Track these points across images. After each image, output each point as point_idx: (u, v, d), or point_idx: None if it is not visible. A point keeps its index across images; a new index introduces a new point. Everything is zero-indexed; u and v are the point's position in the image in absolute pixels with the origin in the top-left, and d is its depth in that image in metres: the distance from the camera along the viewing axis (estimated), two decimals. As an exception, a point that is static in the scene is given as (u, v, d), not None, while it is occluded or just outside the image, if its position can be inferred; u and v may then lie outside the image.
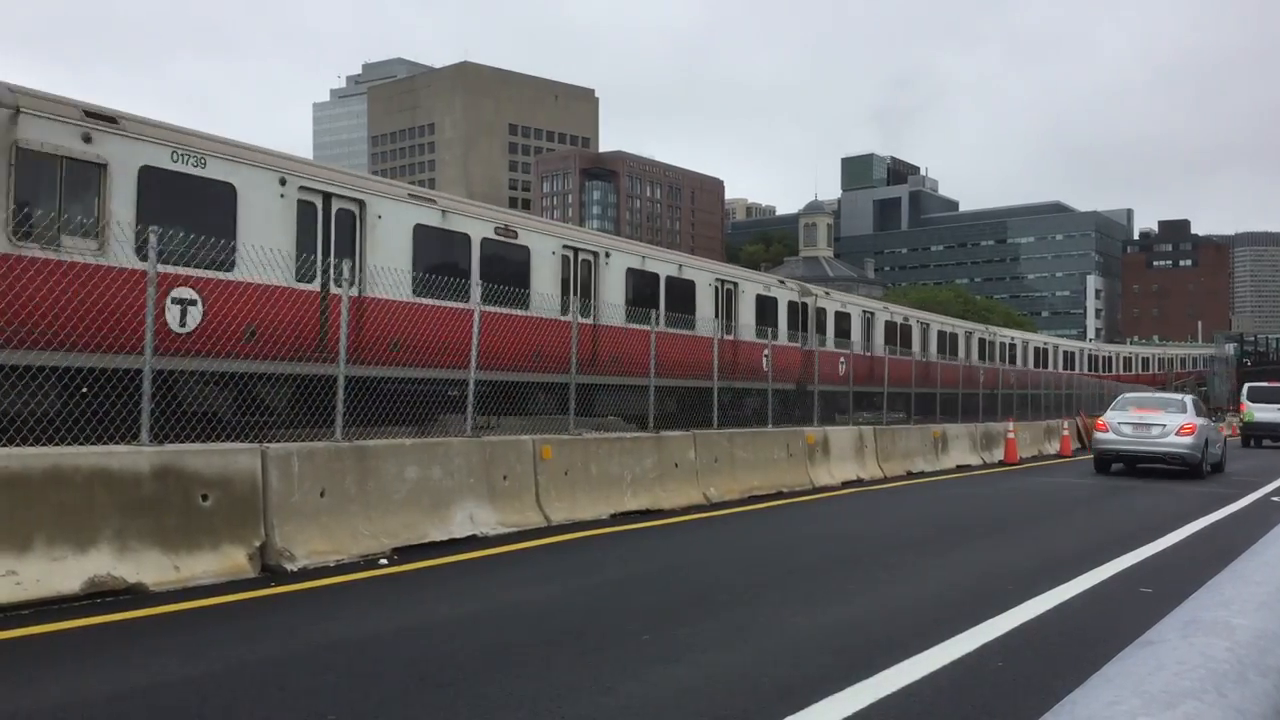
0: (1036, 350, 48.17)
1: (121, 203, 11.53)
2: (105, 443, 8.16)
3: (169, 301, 11.60)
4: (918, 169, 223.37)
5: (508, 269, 16.54)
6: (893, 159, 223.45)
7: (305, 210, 13.69)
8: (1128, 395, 24.64)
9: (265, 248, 12.17)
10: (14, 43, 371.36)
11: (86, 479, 7.32)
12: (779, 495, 15.61)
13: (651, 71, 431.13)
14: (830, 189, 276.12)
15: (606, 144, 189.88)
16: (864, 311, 30.36)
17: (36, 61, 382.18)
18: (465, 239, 16.20)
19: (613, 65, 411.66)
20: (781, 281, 26.62)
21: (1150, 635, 1.93)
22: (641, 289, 19.71)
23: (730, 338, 21.18)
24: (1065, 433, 30.25)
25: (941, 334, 35.76)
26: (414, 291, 14.27)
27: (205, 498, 8.05)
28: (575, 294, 17.75)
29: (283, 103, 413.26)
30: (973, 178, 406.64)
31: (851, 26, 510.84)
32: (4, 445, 7.59)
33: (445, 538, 9.97)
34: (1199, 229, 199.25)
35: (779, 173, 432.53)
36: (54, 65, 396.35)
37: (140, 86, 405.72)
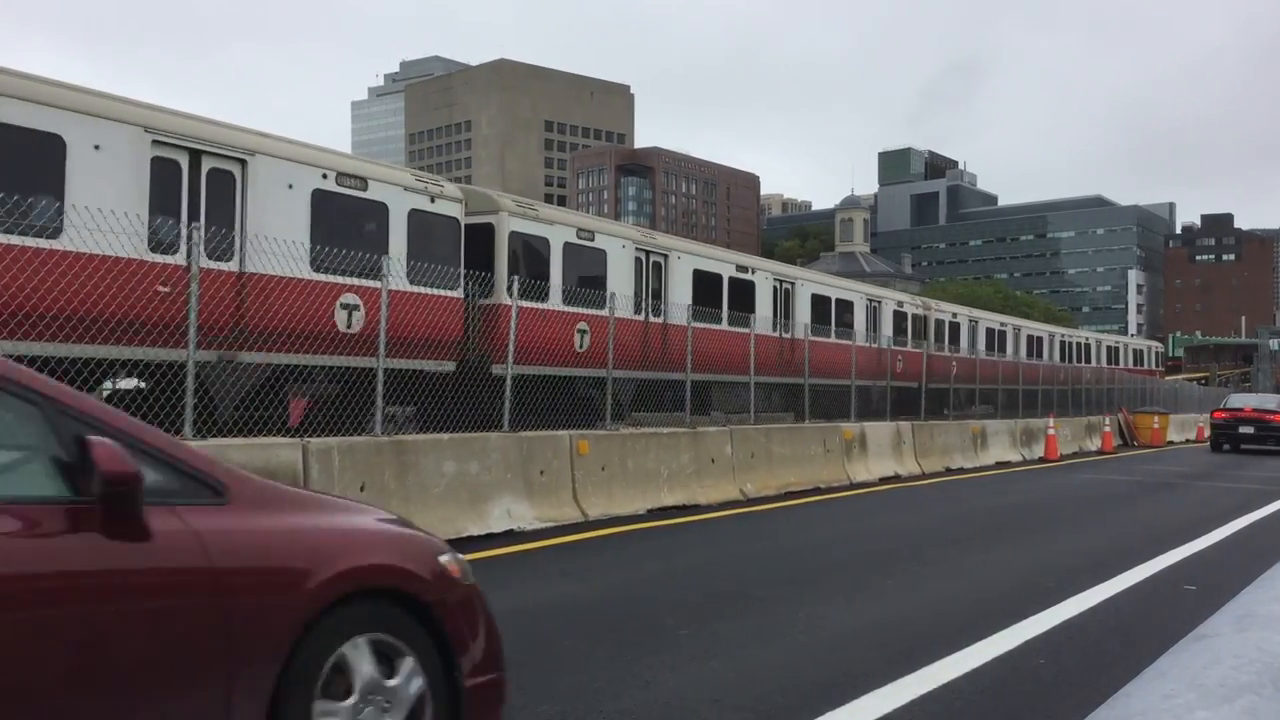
0: (1109, 349, 50.23)
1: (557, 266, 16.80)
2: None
3: (575, 331, 16.71)
4: (956, 163, 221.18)
5: (742, 298, 21.72)
6: (930, 153, 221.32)
7: (637, 261, 19.02)
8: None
9: (619, 292, 16.69)
10: (56, 20, 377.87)
11: (132, 472, 7.42)
12: (816, 491, 15.56)
13: (691, 61, 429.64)
14: (867, 183, 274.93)
15: (642, 135, 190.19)
16: (970, 320, 35.19)
17: (77, 41, 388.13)
18: (719, 277, 21.13)
19: (651, 55, 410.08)
20: (913, 298, 32.46)
21: (1204, 629, 1.90)
22: (819, 309, 25.07)
23: (874, 345, 25.92)
24: (1107, 429, 29.89)
25: (1030, 337, 40.27)
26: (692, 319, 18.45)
27: (248, 491, 8.13)
28: (779, 315, 23.12)
29: (322, 99, 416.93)
30: (1012, 172, 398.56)
31: (891, 20, 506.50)
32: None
33: (483, 532, 10.03)
34: (1242, 223, 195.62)
35: (815, 167, 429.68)
36: (99, 47, 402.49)
37: (189, 70, 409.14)
